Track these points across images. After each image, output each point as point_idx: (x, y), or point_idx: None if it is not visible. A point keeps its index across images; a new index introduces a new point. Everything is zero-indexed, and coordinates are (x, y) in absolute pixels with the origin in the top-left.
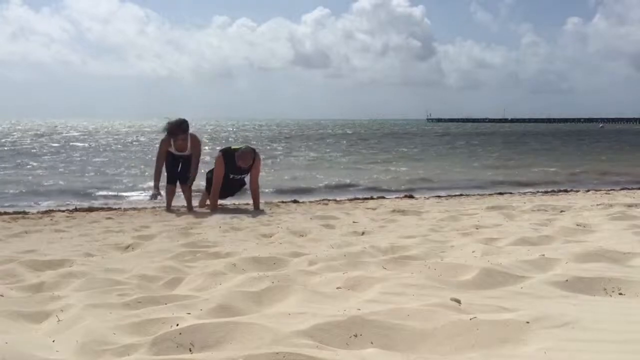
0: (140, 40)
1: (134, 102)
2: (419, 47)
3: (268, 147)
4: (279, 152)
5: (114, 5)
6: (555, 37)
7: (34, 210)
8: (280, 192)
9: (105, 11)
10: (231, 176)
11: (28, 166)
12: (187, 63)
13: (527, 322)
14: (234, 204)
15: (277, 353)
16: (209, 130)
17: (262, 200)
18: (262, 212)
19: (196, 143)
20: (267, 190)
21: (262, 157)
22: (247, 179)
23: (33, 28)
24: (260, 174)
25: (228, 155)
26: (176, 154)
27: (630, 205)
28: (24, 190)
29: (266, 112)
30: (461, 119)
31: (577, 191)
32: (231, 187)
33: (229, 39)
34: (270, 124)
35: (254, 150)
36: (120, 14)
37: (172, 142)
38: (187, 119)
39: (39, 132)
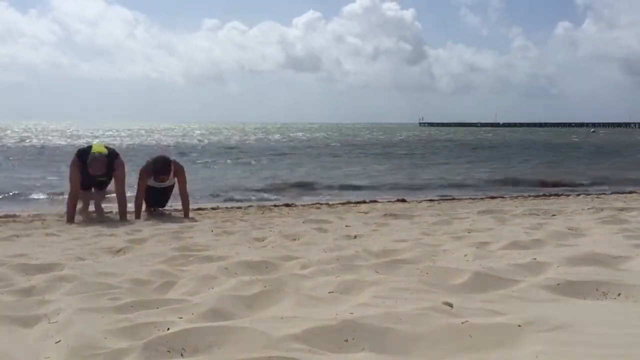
0: (129, 43)
1: (125, 105)
2: (410, 51)
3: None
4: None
5: (101, 8)
6: (545, 42)
7: (25, 214)
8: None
9: (94, 14)
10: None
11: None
12: (177, 66)
13: (519, 326)
14: (227, 207)
15: (269, 357)
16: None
17: (256, 204)
18: (129, 221)
19: (179, 171)
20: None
21: (124, 161)
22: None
23: (21, 30)
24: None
25: (81, 159)
26: (156, 186)
27: (621, 209)
28: None
29: (258, 115)
30: (453, 123)
31: (568, 195)
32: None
33: (219, 42)
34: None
35: (108, 153)
36: (109, 16)
37: (152, 177)
38: (170, 158)
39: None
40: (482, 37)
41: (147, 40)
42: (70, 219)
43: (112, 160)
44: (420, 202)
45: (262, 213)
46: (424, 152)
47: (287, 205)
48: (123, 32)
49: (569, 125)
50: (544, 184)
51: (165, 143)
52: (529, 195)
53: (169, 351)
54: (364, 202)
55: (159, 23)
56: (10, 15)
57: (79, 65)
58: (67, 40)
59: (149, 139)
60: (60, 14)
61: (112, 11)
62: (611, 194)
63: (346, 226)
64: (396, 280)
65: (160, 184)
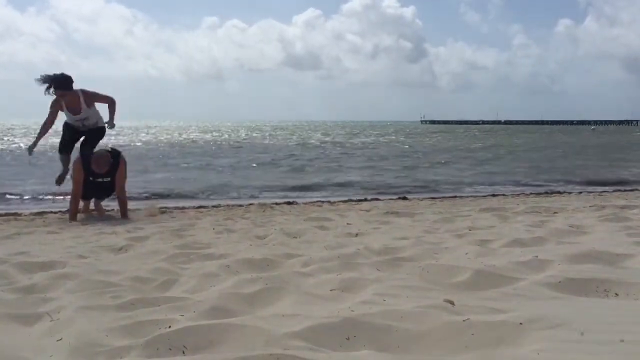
0: (129, 41)
1: (124, 103)
2: (410, 49)
3: None
4: None
5: (99, 6)
6: (546, 39)
7: (27, 212)
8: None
9: (92, 11)
10: (90, 179)
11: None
12: (177, 64)
13: (521, 324)
14: (229, 205)
15: (270, 355)
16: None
17: (255, 202)
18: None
19: (90, 97)
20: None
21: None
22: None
23: (19, 28)
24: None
25: (85, 158)
26: (77, 124)
27: (623, 207)
28: None
29: (258, 113)
30: (455, 121)
31: (570, 193)
32: (94, 190)
33: (219, 41)
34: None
35: (112, 153)
36: (108, 14)
37: (63, 103)
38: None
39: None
40: (482, 35)
41: (146, 38)
42: (73, 217)
43: (116, 159)
44: (422, 200)
45: (264, 211)
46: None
47: (288, 203)
48: (122, 30)
49: (571, 123)
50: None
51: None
52: (530, 193)
53: (170, 349)
54: (365, 200)
55: (157, 21)
56: (8, 14)
57: (78, 63)
58: (66, 38)
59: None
60: (59, 12)
61: (110, 9)
62: (613, 191)
63: (347, 224)
64: (397, 278)
65: (76, 117)
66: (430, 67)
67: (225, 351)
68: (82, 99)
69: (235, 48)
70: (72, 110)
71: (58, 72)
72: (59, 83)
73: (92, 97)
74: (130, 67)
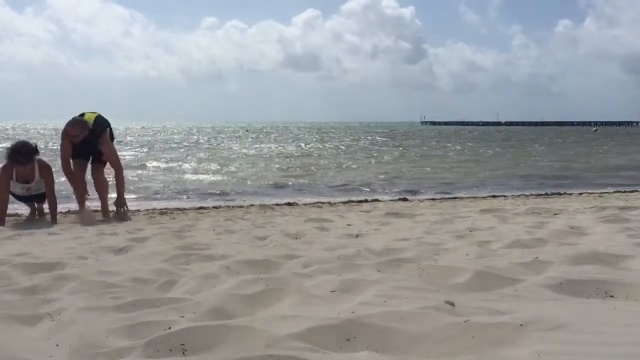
0: (128, 41)
1: (124, 104)
2: (410, 50)
3: None
4: None
5: (97, 6)
6: (546, 40)
7: (27, 212)
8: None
9: (90, 12)
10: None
11: None
12: (176, 65)
13: (521, 325)
14: (229, 206)
15: (270, 356)
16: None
17: (256, 202)
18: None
19: (45, 170)
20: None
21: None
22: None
23: (17, 29)
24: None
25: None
26: (22, 192)
27: (623, 208)
28: None
29: (257, 114)
30: (455, 122)
31: (570, 194)
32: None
33: (218, 41)
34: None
35: (95, 125)
36: (106, 15)
37: (14, 171)
38: (33, 144)
39: None
40: (482, 36)
41: (145, 39)
42: (82, 201)
43: (98, 132)
44: (422, 201)
45: (264, 212)
46: None
47: (289, 204)
48: (120, 30)
49: (572, 124)
50: None
51: None
52: (531, 194)
53: (170, 350)
54: (366, 201)
55: (157, 21)
56: (6, 14)
57: (77, 65)
58: (64, 39)
59: None
60: (57, 12)
61: (108, 10)
62: (613, 192)
63: (348, 225)
64: (398, 279)
65: (26, 185)
66: (430, 67)
67: (225, 352)
68: (36, 169)
69: (235, 48)
70: (24, 179)
71: (20, 140)
72: (22, 155)
73: (45, 170)
74: (130, 68)
